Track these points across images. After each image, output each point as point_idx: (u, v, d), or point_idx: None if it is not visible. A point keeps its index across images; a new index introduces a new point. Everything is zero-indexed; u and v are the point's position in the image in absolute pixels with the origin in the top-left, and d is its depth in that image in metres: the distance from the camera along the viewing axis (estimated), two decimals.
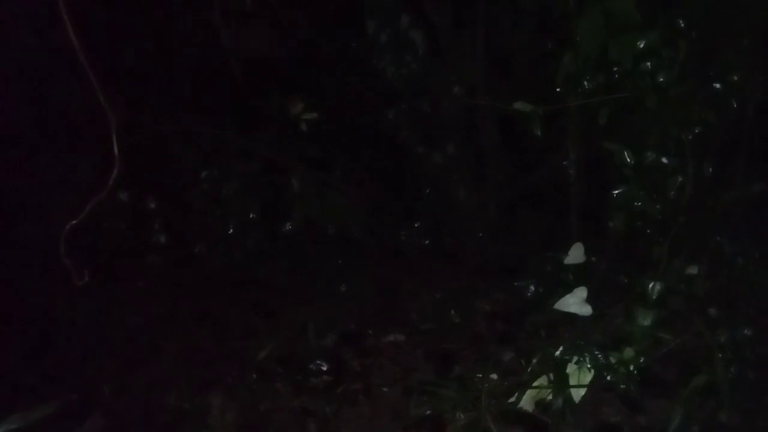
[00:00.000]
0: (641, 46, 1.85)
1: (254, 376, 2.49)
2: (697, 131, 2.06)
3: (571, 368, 2.03)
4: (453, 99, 2.96)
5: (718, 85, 2.04)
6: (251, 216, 2.93)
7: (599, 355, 2.02)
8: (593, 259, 2.27)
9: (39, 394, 2.34)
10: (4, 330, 2.60)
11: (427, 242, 3.12)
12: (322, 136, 2.90)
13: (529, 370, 2.13)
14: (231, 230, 2.93)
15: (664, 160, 2.07)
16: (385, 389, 2.44)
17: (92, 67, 1.38)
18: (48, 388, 2.41)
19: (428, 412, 2.18)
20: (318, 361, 2.53)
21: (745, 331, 1.99)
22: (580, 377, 2.01)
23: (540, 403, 2.07)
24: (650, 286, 2.06)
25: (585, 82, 2.00)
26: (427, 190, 3.15)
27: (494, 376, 2.24)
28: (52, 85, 2.50)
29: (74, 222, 1.50)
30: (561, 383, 2.00)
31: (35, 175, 2.69)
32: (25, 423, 1.68)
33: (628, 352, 2.00)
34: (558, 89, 2.18)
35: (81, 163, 2.57)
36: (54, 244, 1.88)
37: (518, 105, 2.15)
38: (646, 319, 2.03)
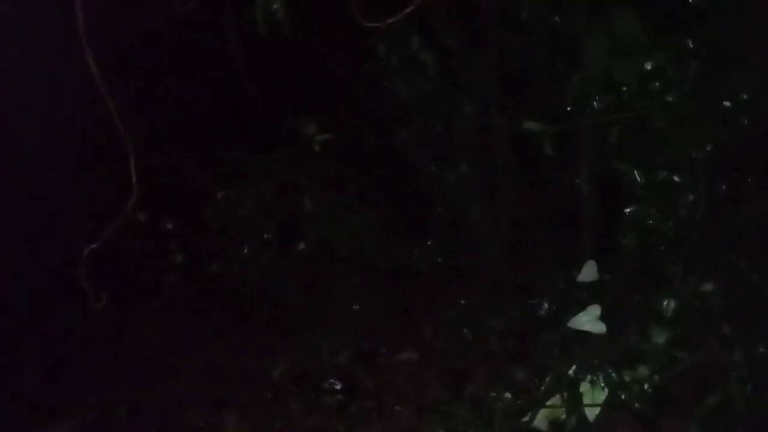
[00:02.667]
0: (648, 67, 1.87)
1: (269, 394, 2.51)
2: (708, 149, 2.06)
3: (584, 387, 2.02)
4: (465, 118, 2.98)
5: (728, 104, 2.05)
6: (266, 236, 2.96)
7: (613, 374, 2.00)
8: (607, 276, 2.26)
9: (56, 413, 2.37)
10: (23, 349, 2.64)
11: (439, 260, 3.12)
12: (336, 157, 2.94)
13: (542, 388, 2.12)
14: (246, 250, 2.96)
15: (676, 178, 2.07)
16: (398, 408, 2.44)
17: (110, 93, 1.42)
18: (65, 407, 2.44)
19: (441, 431, 2.18)
20: (331, 380, 2.54)
21: (761, 349, 1.97)
22: (594, 396, 2.00)
23: (554, 423, 2.05)
24: (664, 303, 2.05)
25: (594, 103, 2.01)
26: (440, 209, 3.16)
27: (508, 395, 2.23)
28: (70, 109, 2.56)
29: (93, 246, 1.54)
30: (575, 402, 1.99)
31: (54, 197, 2.75)
32: None
33: (643, 371, 1.99)
34: (568, 109, 2.20)
35: (99, 186, 2.63)
36: (72, 266, 1.91)
37: (529, 124, 2.18)
38: (660, 337, 2.02)
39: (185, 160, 2.99)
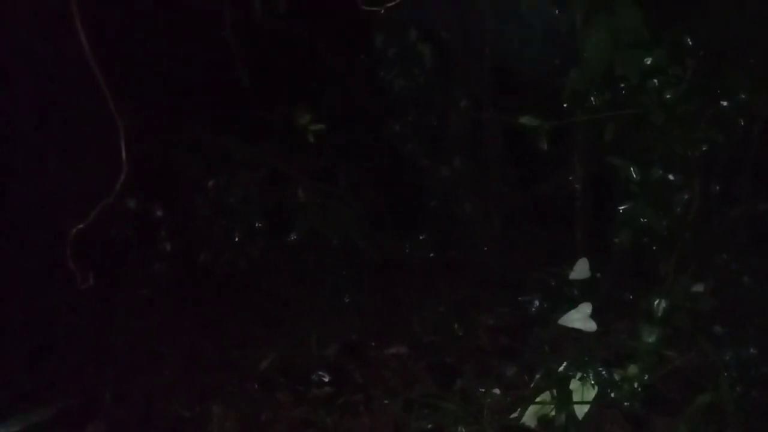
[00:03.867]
0: (648, 62, 1.86)
1: (255, 385, 2.48)
2: (703, 148, 2.06)
3: (574, 384, 2.01)
4: (459, 112, 2.97)
5: (724, 103, 2.04)
6: (256, 225, 2.93)
7: (603, 372, 2.00)
8: (598, 274, 2.26)
9: (40, 399, 2.34)
10: (7, 334, 2.60)
11: (431, 255, 3.11)
12: (329, 147, 2.91)
13: (532, 385, 2.11)
14: (236, 239, 2.93)
15: (671, 176, 2.07)
16: (386, 401, 2.42)
17: (103, 74, 1.39)
18: (49, 393, 2.41)
19: (429, 425, 2.16)
20: (320, 372, 2.52)
21: (751, 350, 1.98)
22: (583, 393, 2.00)
23: (543, 419, 2.05)
24: (656, 302, 2.05)
25: (591, 98, 2.00)
26: (432, 203, 3.15)
27: (497, 390, 2.22)
28: (62, 91, 2.52)
29: (81, 226, 1.51)
30: (564, 399, 1.98)
31: (43, 179, 2.71)
32: (24, 426, 1.68)
33: (633, 369, 1.99)
34: (565, 104, 2.19)
35: (89, 168, 2.59)
36: (59, 249, 1.88)
37: (525, 119, 2.16)
38: (651, 336, 2.02)
39: (176, 148, 2.96)
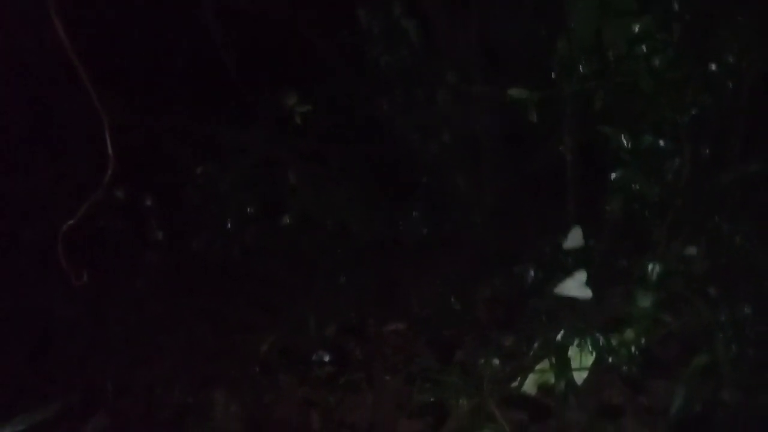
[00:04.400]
0: (635, 29, 1.85)
1: (256, 369, 2.50)
2: (693, 113, 2.07)
3: (572, 351, 2.04)
4: (448, 87, 2.95)
5: (713, 67, 2.04)
6: (248, 211, 2.92)
7: (600, 338, 2.03)
8: (592, 242, 2.27)
9: (41, 395, 2.34)
10: (5, 332, 2.59)
11: (425, 231, 3.12)
12: (317, 129, 2.89)
13: (530, 354, 2.14)
14: (228, 225, 2.92)
15: (661, 142, 2.07)
16: (387, 377, 2.45)
17: (84, 67, 1.36)
18: (50, 388, 2.42)
19: (431, 399, 2.19)
20: (320, 352, 2.54)
21: (745, 310, 2.00)
22: (581, 360, 2.03)
23: (543, 387, 2.08)
24: (649, 267, 2.07)
25: (580, 67, 2.00)
26: (424, 180, 3.14)
27: (496, 361, 2.25)
28: (45, 84, 2.48)
29: (71, 222, 1.50)
30: (563, 366, 2.01)
31: (31, 175, 2.68)
32: (30, 424, 1.68)
33: (629, 334, 2.02)
34: (553, 75, 2.18)
35: (76, 163, 2.56)
36: (51, 245, 1.87)
37: (513, 92, 2.16)
38: (646, 301, 2.05)
39: (163, 136, 2.93)
